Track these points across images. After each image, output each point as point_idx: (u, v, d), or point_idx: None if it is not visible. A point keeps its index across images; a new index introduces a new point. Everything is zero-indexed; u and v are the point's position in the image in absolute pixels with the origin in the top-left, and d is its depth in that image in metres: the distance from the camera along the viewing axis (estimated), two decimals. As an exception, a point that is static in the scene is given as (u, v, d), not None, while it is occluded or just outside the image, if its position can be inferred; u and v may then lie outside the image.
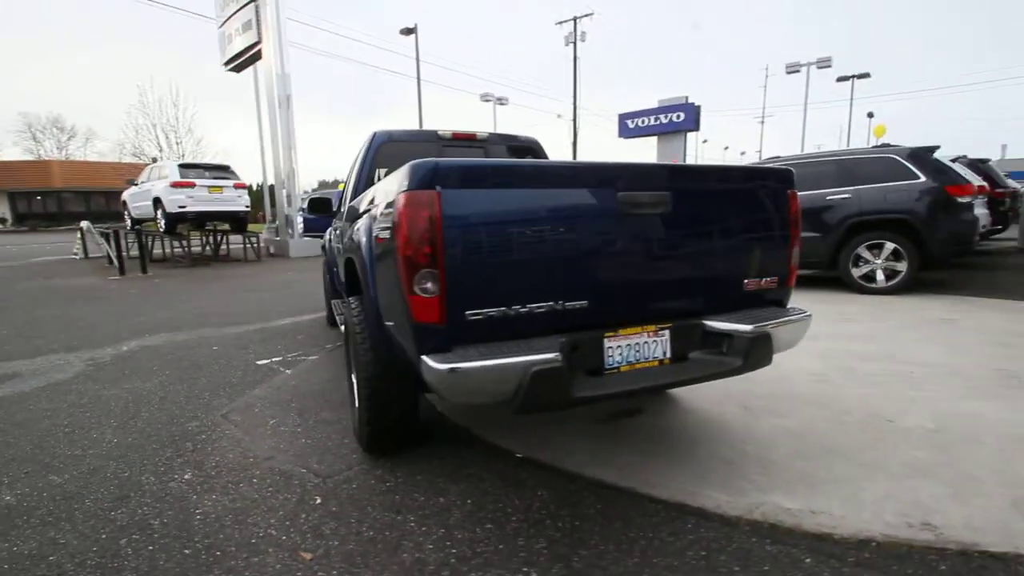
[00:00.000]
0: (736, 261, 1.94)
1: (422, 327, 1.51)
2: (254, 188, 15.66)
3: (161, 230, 11.43)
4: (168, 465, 2.34)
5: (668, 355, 1.85)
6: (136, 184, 12.68)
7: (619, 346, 1.77)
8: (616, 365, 1.77)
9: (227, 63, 14.49)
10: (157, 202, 11.15)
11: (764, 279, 1.99)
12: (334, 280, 4.75)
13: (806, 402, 2.74)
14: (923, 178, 5.53)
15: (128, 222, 13.06)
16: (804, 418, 2.55)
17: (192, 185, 11.03)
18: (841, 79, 27.47)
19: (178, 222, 11.23)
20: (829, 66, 24.60)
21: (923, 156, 5.74)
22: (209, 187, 11.25)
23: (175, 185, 10.86)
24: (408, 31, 23.16)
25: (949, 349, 3.63)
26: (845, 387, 2.96)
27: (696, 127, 32.65)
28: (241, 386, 3.40)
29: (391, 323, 1.77)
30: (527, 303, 1.59)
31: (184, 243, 11.62)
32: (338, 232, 3.87)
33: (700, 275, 1.89)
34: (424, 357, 1.49)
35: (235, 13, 13.40)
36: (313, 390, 3.30)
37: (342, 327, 3.45)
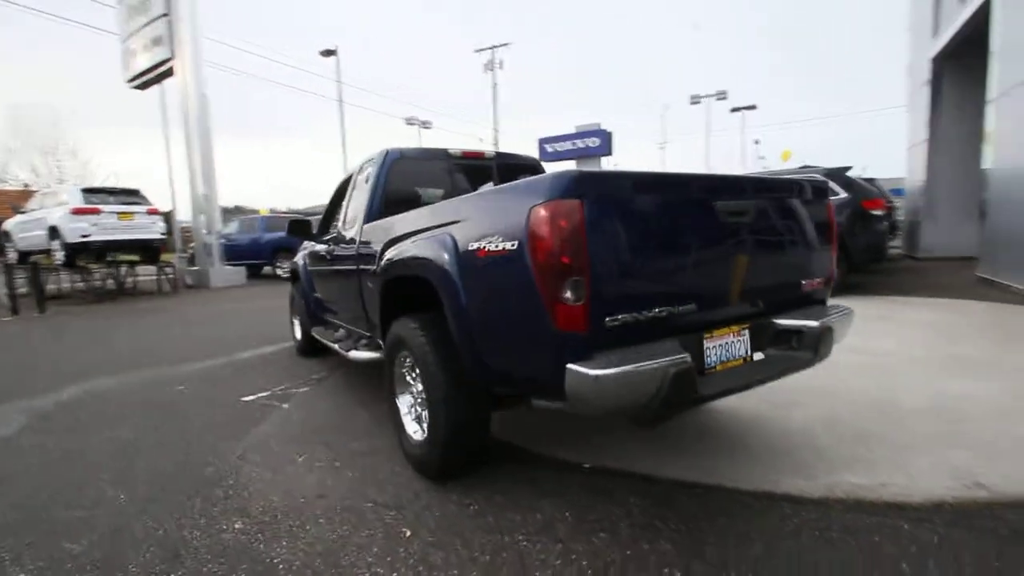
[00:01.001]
0: (799, 264, 2.14)
1: (565, 336, 1.51)
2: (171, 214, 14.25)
3: (58, 263, 10.05)
4: (206, 515, 2.08)
5: (749, 353, 1.99)
6: (23, 211, 11.08)
7: (715, 346, 1.87)
8: (713, 364, 1.87)
9: (132, 80, 13.23)
10: (54, 231, 9.82)
11: (816, 280, 2.20)
12: (311, 307, 4.48)
13: (819, 394, 3.01)
14: (844, 194, 6.33)
15: (13, 255, 11.34)
16: (825, 407, 2.81)
17: (97, 211, 9.85)
18: (734, 110, 30.67)
19: (79, 253, 9.96)
20: (725, 98, 27.48)
21: (839, 175, 6.58)
22: (118, 213, 10.11)
23: (77, 212, 9.63)
24: (328, 52, 22.60)
25: (900, 341, 4.16)
26: (841, 378, 3.29)
27: (609, 151, 34.70)
28: (240, 425, 3.09)
29: (504, 336, 1.74)
30: (652, 308, 1.64)
31: (87, 277, 10.29)
32: (329, 257, 3.68)
33: (774, 277, 2.06)
34: (570, 365, 1.49)
35: (143, 28, 12.34)
36: (326, 423, 3.08)
37: (352, 352, 3.27)
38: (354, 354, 3.33)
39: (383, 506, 2.09)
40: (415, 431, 2.39)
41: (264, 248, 14.48)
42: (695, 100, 27.98)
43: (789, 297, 2.14)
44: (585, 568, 1.64)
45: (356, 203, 3.48)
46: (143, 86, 13.47)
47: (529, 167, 3.77)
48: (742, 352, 1.96)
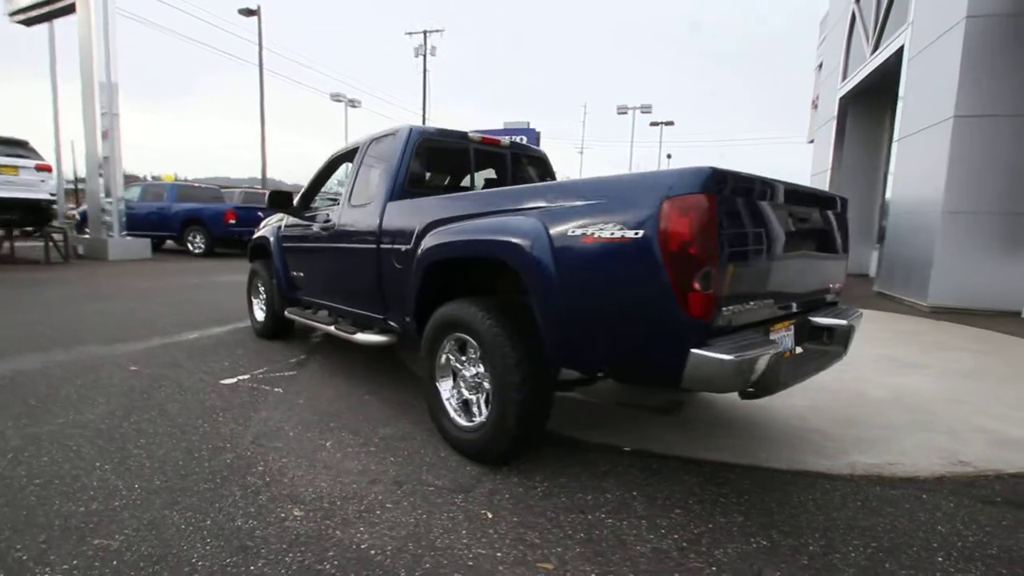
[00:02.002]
0: (831, 268, 2.40)
1: (692, 323, 1.59)
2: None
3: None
4: (254, 504, 1.91)
5: (794, 346, 2.20)
6: None
7: (776, 339, 2.06)
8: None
9: (15, 13, 11.25)
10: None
11: (838, 284, 2.49)
12: (284, 286, 4.19)
13: (801, 386, 3.36)
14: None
15: None
16: (810, 398, 3.16)
17: (-30, 162, 8.33)
18: (653, 124, 32.62)
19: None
20: (650, 112, 29.18)
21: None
22: (-1, 166, 8.63)
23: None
24: (249, 12, 20.76)
25: (839, 342, 4.74)
26: (807, 373, 3.71)
27: (537, 151, 35.26)
28: (235, 410, 2.83)
29: (613, 319, 1.78)
30: (749, 300, 1.78)
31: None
32: (325, 234, 3.46)
33: (817, 279, 2.30)
34: (695, 350, 1.58)
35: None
36: (336, 409, 2.91)
37: (359, 335, 3.12)
38: (362, 337, 3.18)
39: (447, 490, 2.05)
40: (461, 416, 2.36)
41: (173, 219, 13.06)
42: (622, 111, 29.44)
43: (820, 298, 2.40)
44: (679, 540, 1.74)
45: (368, 180, 3.31)
46: (29, 22, 11.55)
47: (539, 159, 3.81)
48: (790, 345, 2.17)
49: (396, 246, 2.78)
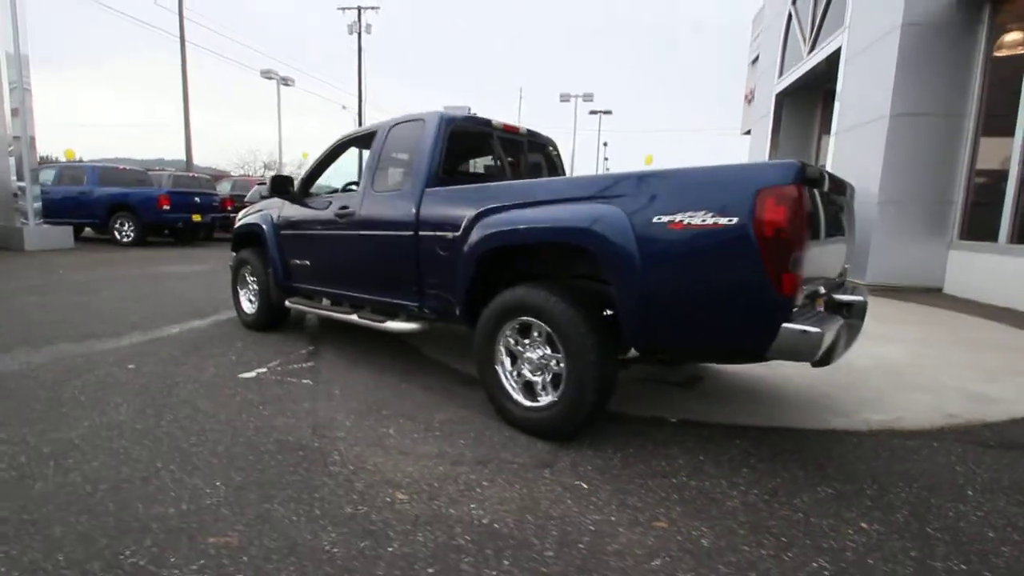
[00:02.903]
0: (847, 250, 2.69)
1: (784, 300, 1.78)
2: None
3: None
4: (354, 491, 1.91)
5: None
6: None
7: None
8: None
9: None
10: None
11: (848, 264, 2.80)
12: (281, 276, 4.04)
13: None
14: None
15: None
16: (801, 365, 3.51)
17: None
18: (592, 112, 33.41)
19: None
20: (592, 100, 29.84)
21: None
22: None
23: None
24: (169, -21, 18.96)
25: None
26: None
27: (478, 137, 34.99)
28: (274, 404, 2.75)
29: (706, 300, 1.93)
30: (812, 281, 2.01)
31: None
32: (344, 221, 3.38)
33: (840, 259, 2.58)
34: (786, 324, 1.77)
35: None
36: (380, 397, 2.89)
37: (391, 323, 3.10)
38: (393, 325, 3.17)
39: (532, 466, 2.15)
40: (525, 397, 2.45)
41: (95, 205, 11.90)
42: (564, 98, 29.88)
43: (841, 277, 2.70)
44: (761, 494, 1.95)
45: (393, 166, 3.27)
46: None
47: (550, 143, 3.90)
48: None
49: (440, 233, 2.79)
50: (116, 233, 11.86)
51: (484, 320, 2.55)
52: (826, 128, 10.79)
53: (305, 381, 3.13)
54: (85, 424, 2.43)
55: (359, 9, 31.75)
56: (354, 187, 4.22)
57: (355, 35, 31.84)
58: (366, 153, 3.51)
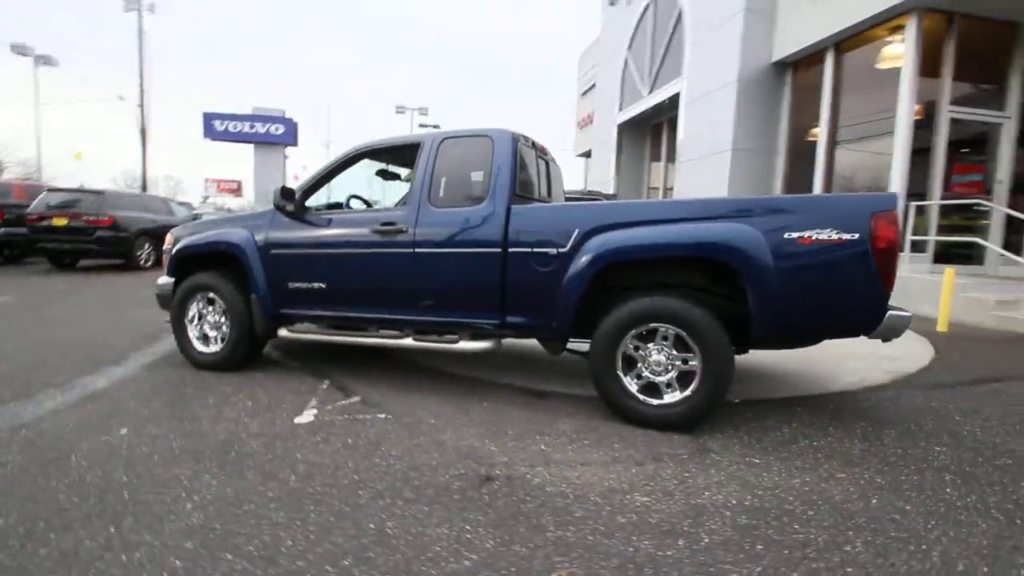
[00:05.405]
0: None
1: (887, 294, 2.41)
2: None
3: None
4: (544, 513, 1.96)
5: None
6: None
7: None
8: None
9: None
10: None
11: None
12: (269, 303, 3.54)
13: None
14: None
15: None
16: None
17: None
18: (423, 126, 33.74)
19: None
20: (426, 113, 30.07)
21: (609, 198, 9.01)
22: None
23: None
24: None
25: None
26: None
27: (295, 142, 32.84)
28: (383, 443, 2.50)
29: (830, 297, 2.47)
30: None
31: None
32: (385, 240, 3.17)
33: None
34: (892, 312, 2.42)
35: None
36: (484, 420, 2.81)
37: (463, 344, 3.03)
38: (467, 345, 3.11)
39: (696, 453, 2.41)
40: (651, 396, 2.71)
41: None
42: (400, 110, 29.55)
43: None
44: (857, 444, 2.55)
45: (455, 182, 3.18)
46: None
47: (552, 160, 4.15)
48: None
49: (540, 250, 2.87)
50: None
51: (605, 329, 2.73)
52: (655, 156, 13.01)
53: (381, 415, 2.85)
54: (156, 472, 1.91)
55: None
56: (357, 202, 3.89)
57: (134, 12, 26.68)
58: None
